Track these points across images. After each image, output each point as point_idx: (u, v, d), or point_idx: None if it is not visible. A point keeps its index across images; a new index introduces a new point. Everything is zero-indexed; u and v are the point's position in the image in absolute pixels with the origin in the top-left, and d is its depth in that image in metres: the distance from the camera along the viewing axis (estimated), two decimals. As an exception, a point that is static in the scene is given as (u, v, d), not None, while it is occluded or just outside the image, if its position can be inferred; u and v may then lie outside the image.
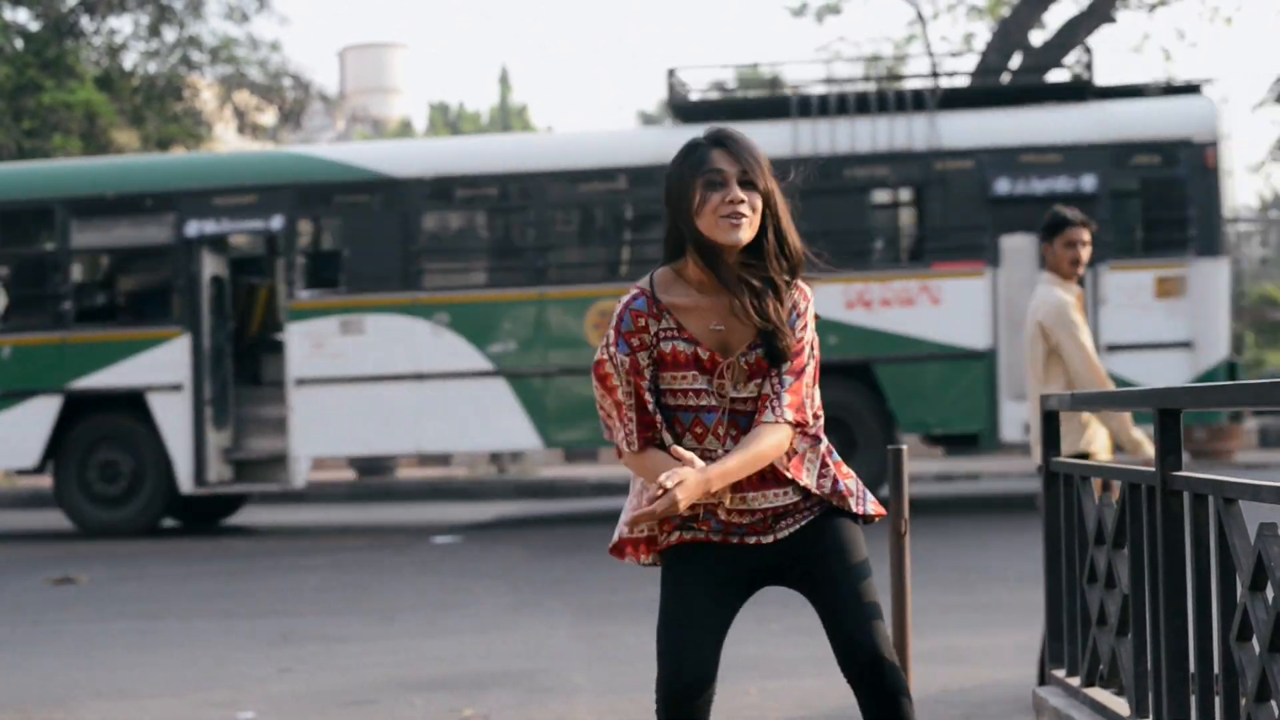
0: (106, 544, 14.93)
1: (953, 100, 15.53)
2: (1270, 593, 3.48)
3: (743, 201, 3.70)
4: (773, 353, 3.75)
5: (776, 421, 3.75)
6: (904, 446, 4.73)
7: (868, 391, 14.89)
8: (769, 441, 3.74)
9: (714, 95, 19.21)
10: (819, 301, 3.91)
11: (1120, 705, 4.53)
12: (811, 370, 3.82)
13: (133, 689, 7.74)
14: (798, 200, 3.85)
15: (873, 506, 3.91)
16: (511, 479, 20.22)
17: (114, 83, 30.14)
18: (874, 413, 14.92)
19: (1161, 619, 4.06)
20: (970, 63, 31.07)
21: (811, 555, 3.83)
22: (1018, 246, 14.67)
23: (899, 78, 20.39)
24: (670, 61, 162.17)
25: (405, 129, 72.28)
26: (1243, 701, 3.64)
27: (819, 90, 17.82)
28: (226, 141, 45.78)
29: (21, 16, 30.55)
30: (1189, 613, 3.96)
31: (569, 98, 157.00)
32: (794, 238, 3.79)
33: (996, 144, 14.95)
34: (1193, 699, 3.97)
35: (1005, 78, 32.51)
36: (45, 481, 22.82)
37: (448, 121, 77.97)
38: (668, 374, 3.78)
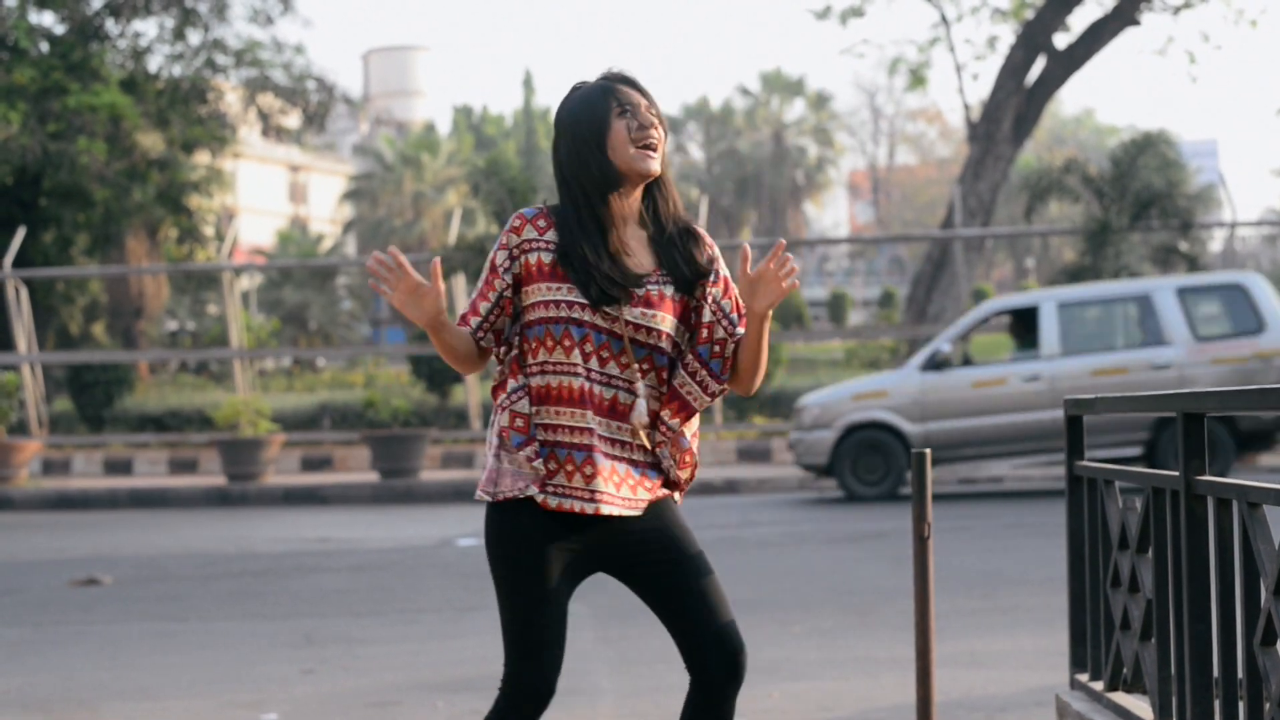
0: (130, 545, 14.99)
1: None
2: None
3: (654, 127, 3.73)
4: (679, 282, 3.77)
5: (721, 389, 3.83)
6: (927, 450, 4.72)
7: None
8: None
9: None
10: None
11: (1144, 710, 4.53)
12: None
13: (156, 690, 7.76)
14: None
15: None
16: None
17: (139, 86, 30.27)
18: None
19: (1185, 624, 4.06)
20: (994, 65, 31.05)
21: (653, 544, 3.77)
22: None
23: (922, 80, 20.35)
24: (694, 65, 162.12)
25: (429, 132, 72.42)
26: (1266, 706, 3.63)
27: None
28: (251, 144, 45.87)
29: (47, 20, 30.69)
30: (1213, 617, 3.96)
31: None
32: (671, 180, 3.83)
33: None
34: (1216, 704, 3.97)
35: (1031, 76, 32.46)
36: (72, 483, 22.91)
37: (471, 125, 78.10)
38: (539, 285, 3.71)
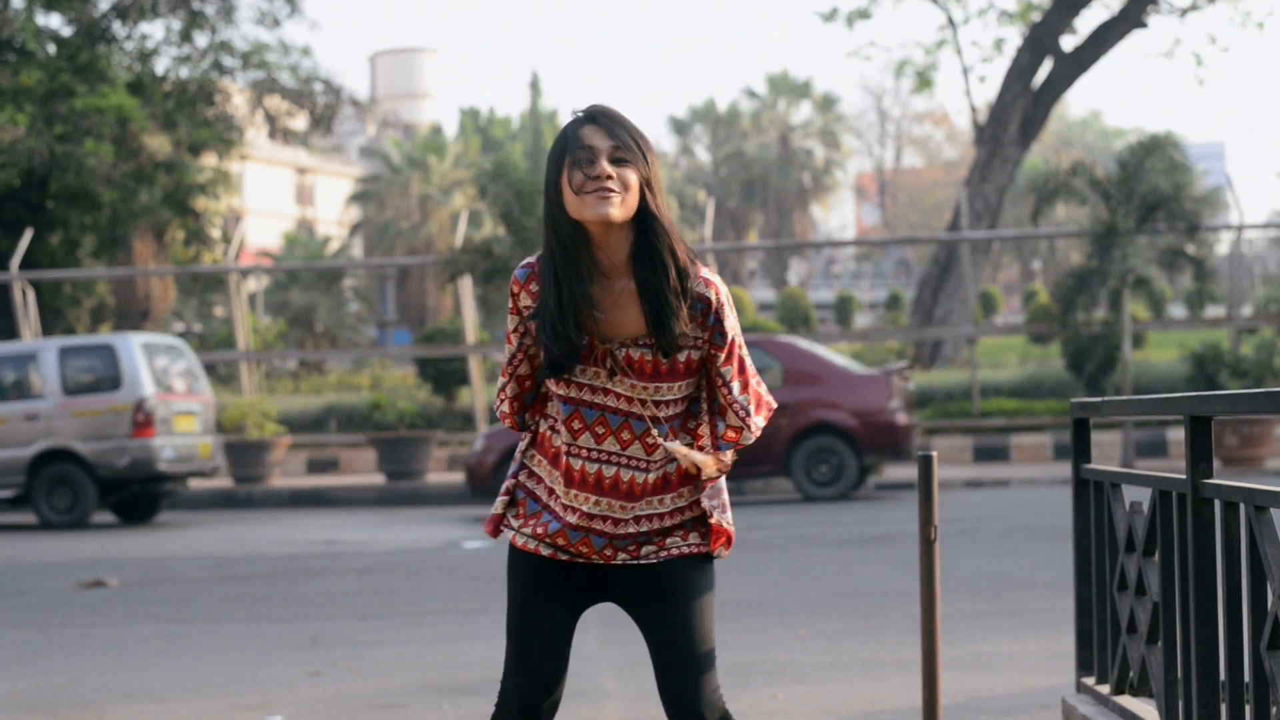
0: (136, 547, 15.00)
1: None
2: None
3: (610, 177, 3.48)
4: (665, 347, 3.55)
5: (751, 434, 3.70)
6: (934, 453, 4.72)
7: None
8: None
9: None
10: None
11: (1150, 713, 4.52)
12: (750, 364, 3.70)
13: (162, 692, 7.77)
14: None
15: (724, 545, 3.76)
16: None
17: (146, 88, 30.29)
18: None
19: (1192, 627, 4.05)
20: (1001, 68, 31.13)
21: (652, 594, 3.72)
22: None
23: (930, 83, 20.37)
24: (701, 67, 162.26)
25: (436, 134, 72.43)
26: (1273, 710, 3.63)
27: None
28: (258, 146, 45.88)
29: (54, 22, 30.72)
30: (1219, 621, 3.95)
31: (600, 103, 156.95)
32: (669, 225, 3.56)
33: None
34: (1223, 708, 3.96)
35: (1037, 78, 32.41)
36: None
37: (478, 127, 78.11)
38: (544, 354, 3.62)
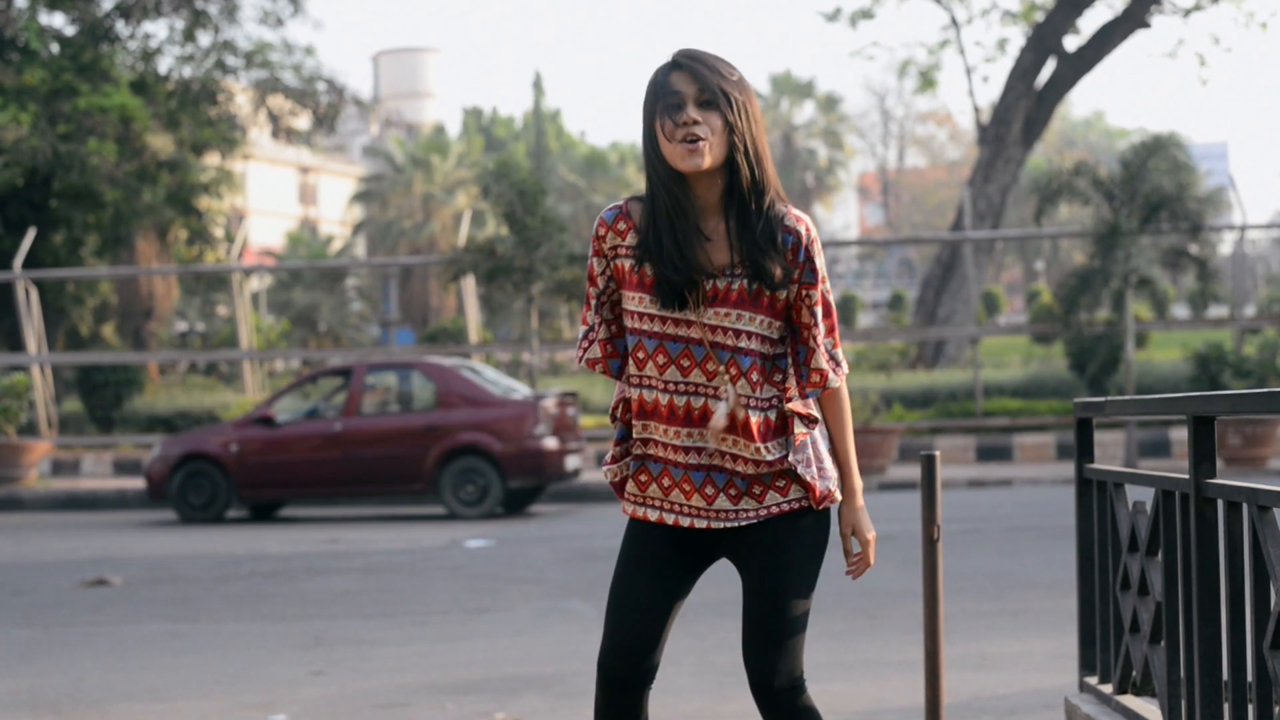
0: (139, 546, 15.01)
1: None
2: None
3: (698, 123, 3.55)
4: (763, 278, 3.60)
5: (836, 378, 3.72)
6: (936, 453, 4.72)
7: None
8: (845, 404, 3.79)
9: None
10: None
11: (1153, 713, 4.52)
12: (834, 310, 3.74)
13: (166, 690, 7.77)
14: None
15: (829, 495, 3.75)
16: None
17: (149, 87, 30.29)
18: None
19: (1195, 627, 4.05)
20: (1004, 68, 31.08)
21: (752, 551, 3.73)
22: None
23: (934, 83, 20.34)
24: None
25: (439, 133, 72.44)
26: (1276, 710, 3.63)
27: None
28: (261, 145, 45.91)
29: (58, 21, 30.74)
30: (1222, 620, 3.95)
31: (602, 103, 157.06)
32: (766, 163, 3.63)
33: None
34: (1226, 707, 3.96)
35: (1041, 78, 32.44)
36: (81, 484, 22.93)
37: (481, 126, 78.12)
38: (626, 292, 3.68)
